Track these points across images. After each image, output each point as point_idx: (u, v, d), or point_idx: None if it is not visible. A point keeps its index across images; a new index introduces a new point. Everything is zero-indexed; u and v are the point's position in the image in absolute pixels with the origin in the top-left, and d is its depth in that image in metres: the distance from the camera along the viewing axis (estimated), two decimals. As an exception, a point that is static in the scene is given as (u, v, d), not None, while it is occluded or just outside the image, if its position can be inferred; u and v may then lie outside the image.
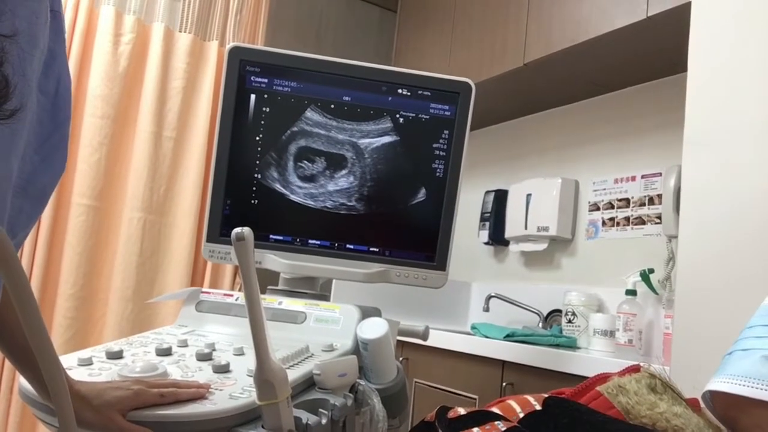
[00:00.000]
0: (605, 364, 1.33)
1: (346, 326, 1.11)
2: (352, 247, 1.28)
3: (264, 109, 1.26)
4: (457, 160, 1.29)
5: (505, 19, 2.15)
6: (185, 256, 2.23)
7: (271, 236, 1.28)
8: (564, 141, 2.32)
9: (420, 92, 1.29)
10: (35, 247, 2.05)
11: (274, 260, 1.25)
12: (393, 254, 1.29)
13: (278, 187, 1.27)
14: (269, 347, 0.70)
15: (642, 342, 1.80)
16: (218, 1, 2.40)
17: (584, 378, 0.76)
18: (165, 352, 0.93)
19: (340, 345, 1.06)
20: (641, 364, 0.75)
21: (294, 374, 0.86)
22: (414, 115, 1.29)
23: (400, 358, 1.99)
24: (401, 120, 1.28)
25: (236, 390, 0.80)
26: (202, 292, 1.20)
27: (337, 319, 1.13)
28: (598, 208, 2.13)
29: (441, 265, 1.29)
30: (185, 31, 2.32)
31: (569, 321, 1.96)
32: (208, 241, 1.27)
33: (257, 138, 1.26)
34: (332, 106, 1.27)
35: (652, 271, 1.82)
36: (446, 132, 1.29)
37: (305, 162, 1.27)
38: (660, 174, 1.94)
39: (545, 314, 2.21)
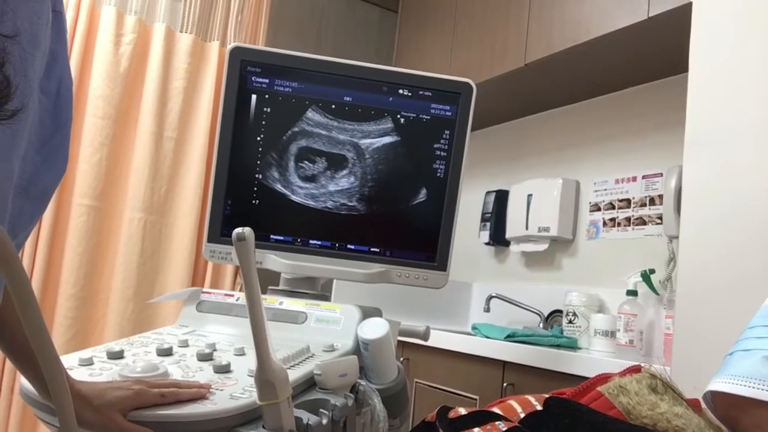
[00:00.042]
0: (606, 365, 1.33)
1: (347, 326, 1.11)
2: (352, 247, 1.28)
3: (265, 109, 1.27)
4: (458, 161, 1.29)
5: (506, 19, 2.15)
6: (186, 256, 2.23)
7: (272, 236, 1.28)
8: (565, 141, 2.32)
9: (421, 92, 1.29)
10: (36, 248, 2.05)
11: (275, 260, 1.25)
12: (394, 254, 1.29)
13: (279, 187, 1.27)
14: (270, 347, 0.70)
15: (643, 342, 1.80)
16: (219, 1, 2.40)
17: (585, 378, 0.76)
18: (166, 352, 0.93)
19: (340, 345, 1.06)
20: (642, 364, 0.75)
21: (295, 374, 0.86)
22: (415, 115, 1.29)
23: (401, 359, 1.99)
24: (402, 120, 1.28)
25: (237, 390, 0.80)
26: (203, 293, 1.20)
27: (337, 319, 1.13)
28: (599, 209, 2.13)
29: (442, 265, 1.29)
30: (186, 32, 2.32)
31: (570, 321, 1.96)
32: (209, 241, 1.27)
33: (258, 138, 1.27)
34: (333, 106, 1.27)
35: (653, 271, 1.82)
36: (447, 132, 1.29)
37: (306, 162, 1.27)
38: (661, 174, 1.94)
39: (546, 315, 2.21)
